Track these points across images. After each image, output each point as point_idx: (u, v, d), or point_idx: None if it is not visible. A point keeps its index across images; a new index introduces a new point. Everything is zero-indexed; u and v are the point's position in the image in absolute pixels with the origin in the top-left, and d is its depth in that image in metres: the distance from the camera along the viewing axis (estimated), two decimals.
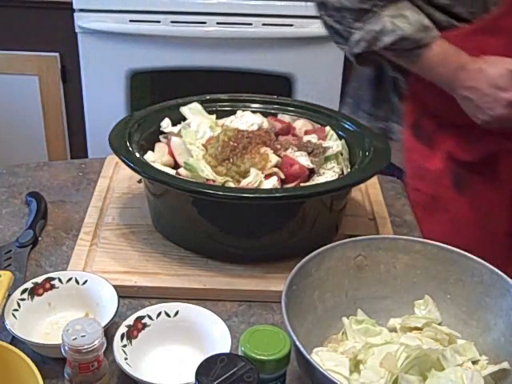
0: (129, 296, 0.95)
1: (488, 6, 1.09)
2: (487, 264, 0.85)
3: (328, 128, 1.12)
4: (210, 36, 2.01)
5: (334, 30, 1.16)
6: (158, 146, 1.10)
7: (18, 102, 2.20)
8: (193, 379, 0.64)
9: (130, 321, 0.85)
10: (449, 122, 1.18)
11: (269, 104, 1.19)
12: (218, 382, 0.61)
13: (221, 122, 1.14)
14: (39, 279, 0.91)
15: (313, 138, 1.08)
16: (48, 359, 0.84)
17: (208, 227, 1.00)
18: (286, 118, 1.17)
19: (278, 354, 0.72)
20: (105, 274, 0.95)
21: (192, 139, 1.06)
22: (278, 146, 1.05)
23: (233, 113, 1.15)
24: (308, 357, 0.70)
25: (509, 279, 0.82)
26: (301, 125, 1.14)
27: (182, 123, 1.12)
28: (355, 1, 1.09)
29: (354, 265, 0.89)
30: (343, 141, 1.09)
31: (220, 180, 0.99)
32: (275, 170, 1.01)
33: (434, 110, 1.20)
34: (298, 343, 0.72)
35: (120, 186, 1.19)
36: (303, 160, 1.02)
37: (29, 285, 0.90)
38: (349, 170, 1.06)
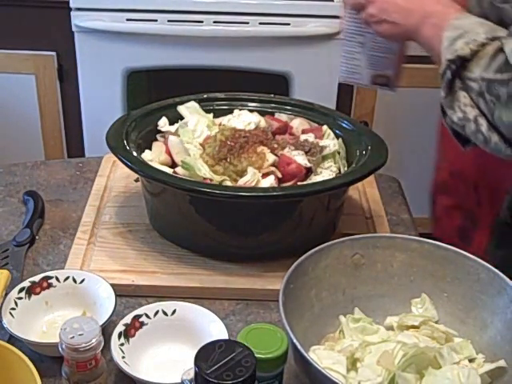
0: (126, 295, 0.95)
1: None
2: (483, 262, 0.85)
3: (325, 127, 1.12)
4: (207, 35, 2.01)
5: None
6: (155, 144, 1.10)
7: (15, 101, 2.19)
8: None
9: (128, 319, 0.85)
10: None
11: (266, 103, 1.19)
12: (216, 367, 0.61)
13: (218, 120, 1.14)
14: (36, 278, 0.91)
15: (310, 137, 1.08)
16: (45, 358, 0.84)
17: (205, 226, 1.00)
18: (283, 116, 1.17)
19: (275, 352, 0.72)
20: (102, 272, 0.95)
21: (189, 138, 1.06)
22: (275, 145, 1.05)
23: (230, 112, 1.15)
24: (305, 355, 0.71)
25: (505, 277, 0.82)
26: (298, 124, 1.14)
27: (180, 122, 1.12)
28: None
29: (351, 263, 0.89)
30: (340, 140, 1.09)
31: (217, 179, 0.99)
32: (272, 169, 1.01)
33: None
34: (295, 341, 0.72)
35: (117, 184, 1.19)
36: (300, 159, 1.02)
37: (26, 283, 0.90)
38: (346, 168, 1.06)
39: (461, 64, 0.87)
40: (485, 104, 0.86)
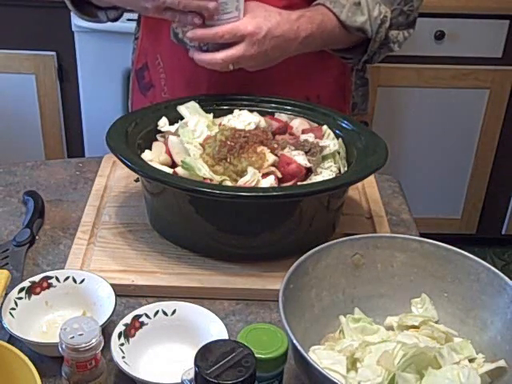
0: (126, 295, 0.95)
1: None
2: (484, 262, 0.85)
3: (325, 127, 1.12)
4: None
5: None
6: (155, 144, 1.10)
7: (15, 101, 2.20)
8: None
9: (128, 319, 0.85)
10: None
11: (266, 103, 1.19)
12: (216, 367, 0.61)
13: (218, 120, 1.14)
14: (36, 278, 0.91)
15: (310, 137, 1.08)
16: (45, 358, 0.84)
17: (205, 226, 1.00)
18: (282, 117, 1.17)
19: (275, 352, 0.72)
20: (102, 272, 0.95)
21: (189, 138, 1.06)
22: (275, 145, 1.05)
23: (230, 112, 1.15)
24: (305, 355, 0.71)
25: (505, 277, 0.83)
26: (298, 124, 1.14)
27: (180, 122, 1.12)
28: None
29: (351, 263, 0.89)
30: (340, 140, 1.09)
31: (217, 179, 0.99)
32: (272, 169, 1.01)
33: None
34: (295, 341, 0.72)
35: (117, 184, 1.19)
36: (300, 159, 1.02)
37: (26, 284, 0.90)
38: (346, 168, 1.06)
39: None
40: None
